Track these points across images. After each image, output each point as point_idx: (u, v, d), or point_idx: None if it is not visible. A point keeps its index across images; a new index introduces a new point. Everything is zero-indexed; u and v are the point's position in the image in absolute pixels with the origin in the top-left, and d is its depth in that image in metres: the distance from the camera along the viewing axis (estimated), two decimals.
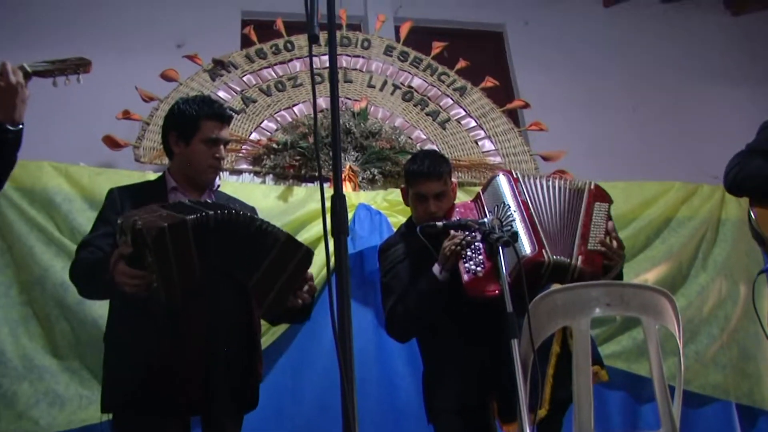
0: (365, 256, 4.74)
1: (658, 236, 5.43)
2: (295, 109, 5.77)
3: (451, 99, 6.11)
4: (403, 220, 4.65)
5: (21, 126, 2.79)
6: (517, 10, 7.31)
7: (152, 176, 3.43)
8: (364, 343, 4.46)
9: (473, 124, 6.01)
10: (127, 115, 5.27)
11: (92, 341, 4.09)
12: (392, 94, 6.06)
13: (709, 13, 7.63)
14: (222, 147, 3.19)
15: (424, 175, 3.53)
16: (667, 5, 7.60)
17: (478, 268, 3.22)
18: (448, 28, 7.08)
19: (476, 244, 3.26)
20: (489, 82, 6.21)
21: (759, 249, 3.73)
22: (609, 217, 3.43)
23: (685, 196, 5.56)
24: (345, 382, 1.77)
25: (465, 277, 3.23)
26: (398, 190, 4.98)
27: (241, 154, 5.47)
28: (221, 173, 5.09)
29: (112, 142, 5.17)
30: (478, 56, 6.67)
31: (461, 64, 6.27)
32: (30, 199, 4.54)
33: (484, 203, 3.53)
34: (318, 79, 5.41)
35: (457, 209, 3.54)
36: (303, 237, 4.47)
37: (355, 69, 6.15)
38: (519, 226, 3.25)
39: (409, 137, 5.77)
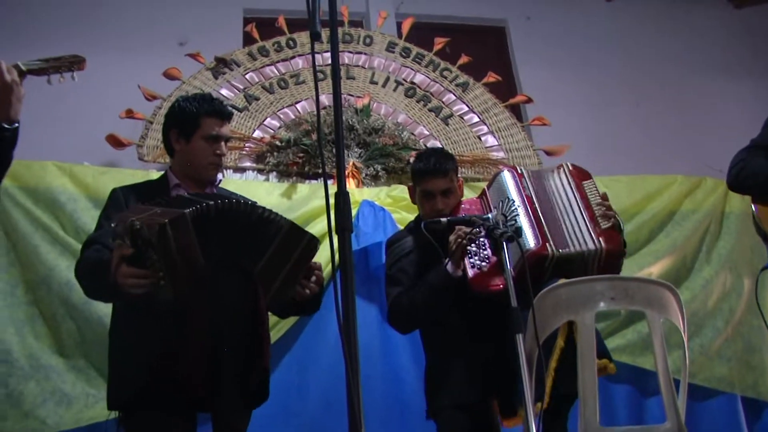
0: (369, 252, 4.75)
1: (661, 230, 5.42)
2: (298, 106, 5.78)
3: (454, 95, 6.11)
4: (406, 215, 4.69)
5: (17, 124, 2.80)
6: (518, 5, 7.31)
7: (155, 175, 3.44)
8: (369, 339, 4.49)
9: (476, 119, 6.01)
10: (130, 114, 5.28)
11: (98, 340, 4.10)
12: (395, 90, 6.06)
13: (712, 7, 7.62)
14: (223, 144, 3.20)
15: (430, 172, 3.55)
16: None
17: (483, 263, 3.24)
18: (450, 24, 7.07)
19: (481, 239, 3.28)
20: (491, 77, 6.21)
21: (763, 244, 3.73)
22: (598, 190, 3.46)
23: (688, 189, 5.55)
24: (350, 377, 1.78)
25: (470, 272, 3.24)
26: (402, 186, 5.00)
27: (244, 152, 5.48)
28: (224, 171, 5.13)
29: (115, 141, 5.18)
30: (480, 51, 6.67)
31: (463, 59, 6.28)
32: (34, 199, 4.55)
33: (489, 199, 3.56)
34: (320, 76, 5.41)
35: (463, 206, 3.56)
36: None
37: (358, 66, 6.15)
38: (523, 221, 3.27)
39: (412, 133, 5.78)
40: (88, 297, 3.14)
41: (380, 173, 5.44)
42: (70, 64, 2.95)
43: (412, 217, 4.09)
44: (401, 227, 4.57)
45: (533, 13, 7.28)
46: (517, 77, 6.97)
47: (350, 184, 5.21)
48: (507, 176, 3.51)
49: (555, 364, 3.20)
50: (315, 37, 2.14)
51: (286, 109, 5.75)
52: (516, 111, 6.38)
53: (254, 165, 5.47)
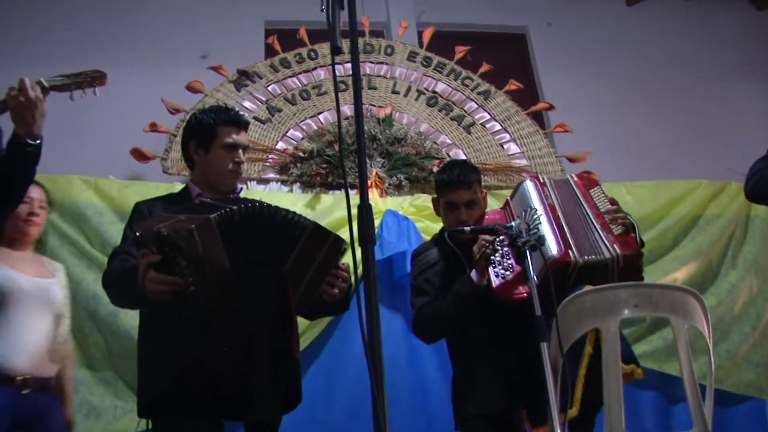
0: (394, 262, 4.76)
1: (686, 235, 5.41)
2: (321, 117, 5.82)
3: (476, 103, 6.12)
4: (430, 225, 4.70)
5: (40, 140, 2.84)
6: (539, 11, 7.32)
7: (179, 187, 3.47)
8: (394, 349, 4.49)
9: (498, 127, 6.01)
10: (154, 127, 5.32)
11: (125, 352, 4.14)
12: (416, 99, 6.08)
13: (733, 9, 7.59)
14: (241, 152, 3.22)
15: (454, 184, 3.57)
16: (690, 2, 7.57)
17: (507, 272, 3.25)
18: (471, 32, 7.07)
19: (505, 248, 3.29)
20: (513, 85, 6.22)
21: None
22: (606, 196, 3.48)
23: (712, 193, 5.53)
24: (376, 390, 1.78)
25: (494, 281, 3.25)
26: (425, 196, 5.02)
27: (267, 164, 5.51)
28: (248, 183, 5.15)
29: (139, 155, 5.23)
30: (501, 59, 6.67)
31: (485, 67, 6.28)
32: (60, 213, 4.60)
33: (512, 209, 3.58)
34: (342, 87, 5.43)
35: (487, 216, 3.58)
36: None
37: (379, 75, 6.17)
38: (546, 229, 3.28)
39: (435, 142, 5.79)
40: (115, 306, 3.17)
41: (403, 183, 5.45)
42: (91, 79, 2.98)
43: (435, 226, 4.11)
44: (425, 236, 4.60)
45: (554, 19, 7.27)
46: (538, 84, 6.96)
47: (373, 194, 5.24)
48: (529, 185, 3.54)
49: (584, 371, 3.20)
50: (336, 52, 2.15)
51: (308, 120, 5.78)
52: (538, 118, 6.36)
53: (278, 176, 5.49)
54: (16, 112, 2.80)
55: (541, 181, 3.58)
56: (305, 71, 6.08)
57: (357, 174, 2.11)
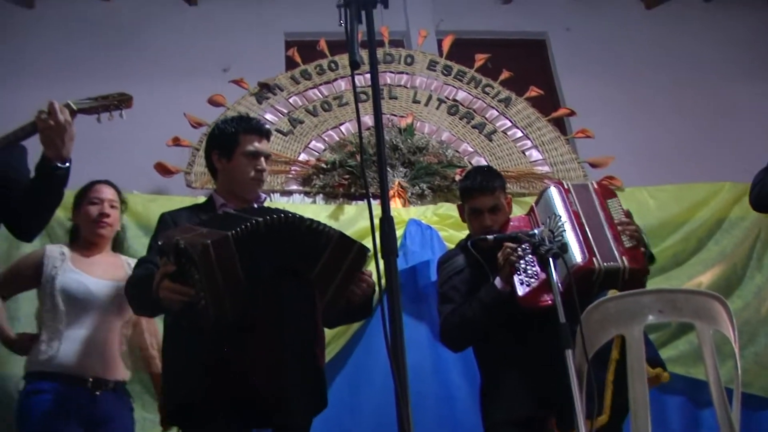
0: (418, 271, 4.75)
1: (710, 238, 5.36)
2: (342, 128, 5.84)
3: (497, 110, 6.12)
4: (454, 233, 4.70)
5: (69, 163, 2.89)
6: (558, 16, 7.32)
7: (203, 200, 3.51)
8: (419, 357, 4.49)
9: (520, 134, 6.01)
10: (176, 141, 5.37)
11: None
12: (437, 108, 6.09)
13: (753, 9, 7.53)
14: (263, 159, 3.26)
15: (477, 190, 3.61)
16: (710, 3, 7.54)
17: (532, 280, 3.26)
18: (490, 39, 7.10)
19: (529, 256, 3.30)
20: (533, 91, 6.21)
21: None
22: (622, 208, 3.49)
23: (736, 196, 5.48)
24: (401, 403, 1.80)
25: (519, 289, 3.26)
26: (448, 204, 5.03)
27: (290, 175, 5.54)
28: (271, 195, 5.18)
29: (163, 169, 5.27)
30: (521, 65, 6.68)
31: (505, 74, 6.28)
32: None
33: (537, 216, 3.59)
34: (363, 97, 5.45)
35: (512, 223, 3.60)
36: None
37: (400, 85, 6.19)
38: (570, 236, 3.29)
39: (457, 151, 5.80)
40: (135, 312, 3.23)
41: (426, 192, 5.46)
42: (118, 102, 3.06)
43: (459, 234, 4.12)
44: (448, 245, 4.60)
45: (573, 24, 7.27)
46: (559, 89, 6.97)
47: (396, 204, 5.26)
48: (554, 192, 3.55)
49: (612, 377, 3.20)
50: (354, 67, 2.17)
51: (330, 131, 5.81)
52: (559, 124, 6.36)
53: (301, 188, 5.53)
54: (46, 135, 2.86)
55: (565, 187, 3.58)
56: (326, 82, 6.10)
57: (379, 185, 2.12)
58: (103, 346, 3.57)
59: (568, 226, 3.33)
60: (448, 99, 6.15)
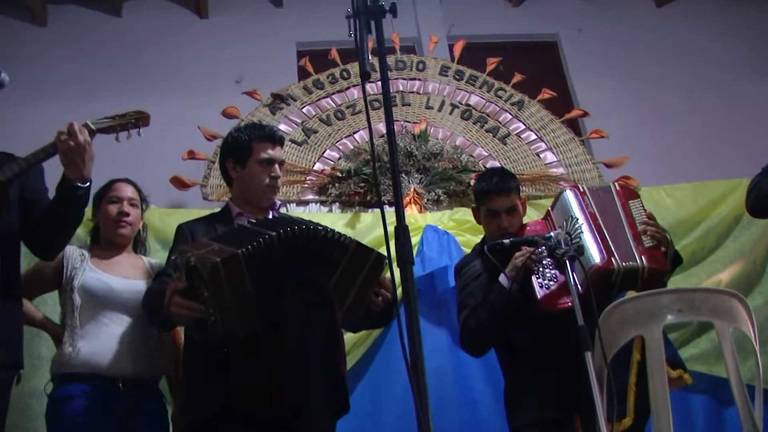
0: (436, 277, 4.75)
1: (728, 235, 5.33)
2: (356, 136, 5.86)
3: (510, 114, 6.12)
4: (471, 238, 4.70)
5: (89, 183, 2.92)
6: (569, 17, 7.30)
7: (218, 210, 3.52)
8: (440, 363, 4.49)
9: (534, 137, 6.01)
10: (192, 155, 5.40)
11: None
12: (451, 113, 6.10)
13: (765, 6, 7.48)
14: (277, 166, 3.28)
15: (493, 191, 3.61)
16: (721, 1, 7.50)
17: (551, 282, 3.27)
18: (502, 42, 7.08)
19: (548, 259, 3.30)
20: (546, 93, 6.20)
21: None
22: (644, 209, 3.49)
23: None
24: (420, 412, 1.80)
25: (539, 292, 3.27)
26: (464, 209, 5.02)
27: (306, 185, 5.56)
28: (288, 205, 5.19)
29: (180, 183, 5.30)
30: (533, 68, 6.67)
31: (517, 77, 6.27)
32: None
33: (554, 219, 3.58)
34: (375, 105, 5.46)
35: (529, 228, 3.59)
36: None
37: (412, 92, 6.20)
38: (587, 238, 3.30)
39: (471, 155, 5.80)
40: (149, 325, 3.26)
41: (442, 197, 5.47)
42: (136, 120, 3.10)
43: (476, 239, 4.11)
44: (465, 250, 4.60)
45: (584, 24, 7.25)
46: (572, 90, 6.95)
47: (412, 210, 5.27)
48: (569, 195, 3.55)
49: (635, 379, 3.19)
50: (365, 77, 2.18)
51: (344, 140, 5.83)
52: (573, 125, 6.35)
53: (317, 197, 5.55)
54: (66, 156, 2.89)
55: (581, 189, 3.58)
56: (339, 91, 6.12)
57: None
58: (131, 345, 3.53)
59: (585, 228, 3.34)
60: (461, 104, 6.15)
